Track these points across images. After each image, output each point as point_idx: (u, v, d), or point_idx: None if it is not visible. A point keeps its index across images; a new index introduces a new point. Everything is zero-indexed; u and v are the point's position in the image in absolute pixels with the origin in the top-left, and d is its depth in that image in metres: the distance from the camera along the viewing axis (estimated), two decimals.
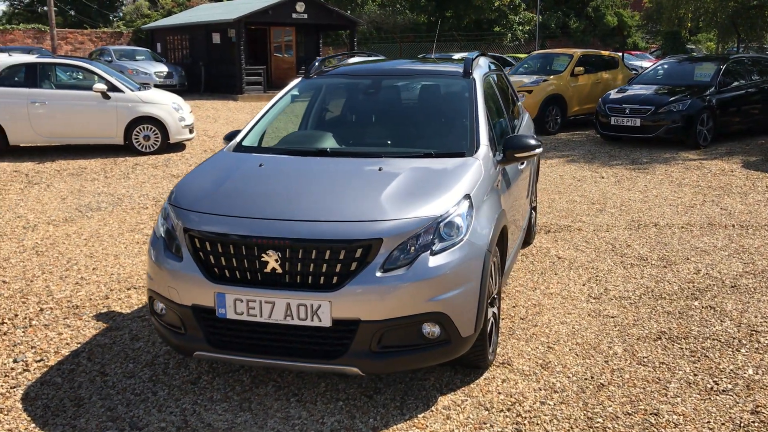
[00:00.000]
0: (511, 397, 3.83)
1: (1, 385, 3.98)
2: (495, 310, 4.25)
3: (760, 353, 4.36)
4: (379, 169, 4.04)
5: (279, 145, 4.83)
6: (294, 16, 23.51)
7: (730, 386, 3.94)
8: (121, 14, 31.96)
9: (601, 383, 3.98)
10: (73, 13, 44.25)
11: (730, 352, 4.37)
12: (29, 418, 3.62)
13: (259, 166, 4.25)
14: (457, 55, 17.82)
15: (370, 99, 5.13)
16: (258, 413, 3.66)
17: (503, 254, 4.45)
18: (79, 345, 4.52)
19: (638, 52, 36.64)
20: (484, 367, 4.12)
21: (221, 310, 3.58)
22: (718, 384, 3.97)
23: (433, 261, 3.53)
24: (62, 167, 11.10)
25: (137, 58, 24.20)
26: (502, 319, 4.92)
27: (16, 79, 12.17)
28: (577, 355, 4.34)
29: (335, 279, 3.47)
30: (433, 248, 3.57)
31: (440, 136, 4.73)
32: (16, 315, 5.01)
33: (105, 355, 4.37)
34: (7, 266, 6.12)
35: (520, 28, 38.79)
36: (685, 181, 9.85)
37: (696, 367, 4.17)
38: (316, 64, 5.46)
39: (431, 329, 3.57)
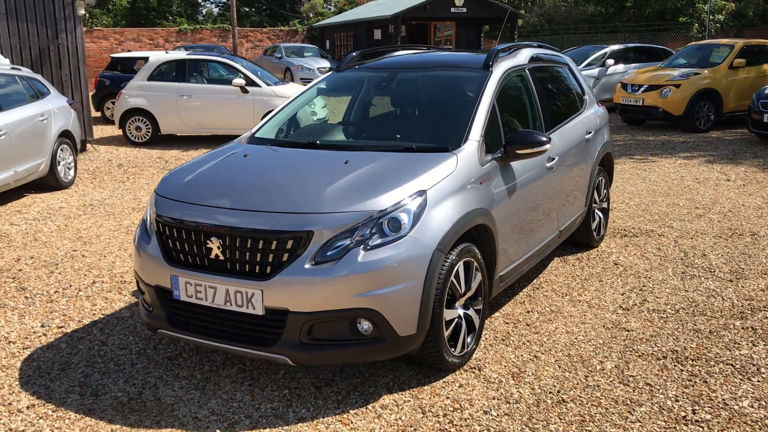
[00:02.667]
0: (456, 402, 3.69)
1: (18, 346, 4.48)
2: (469, 312, 4.09)
3: None
4: (346, 162, 4.04)
5: (287, 137, 4.95)
6: (453, 10, 23.53)
7: (708, 417, 3.51)
8: (304, 13, 33.84)
9: (563, 399, 3.71)
10: (264, 12, 47.34)
11: (737, 381, 3.87)
12: (17, 376, 4.07)
13: (244, 156, 4.42)
14: (609, 48, 16.86)
15: (382, 92, 5.11)
16: (207, 392, 3.83)
17: (490, 256, 4.27)
18: (102, 316, 4.96)
19: None
20: (446, 370, 3.99)
21: (176, 292, 3.79)
22: (695, 413, 3.54)
23: (365, 256, 3.49)
24: None
25: (305, 54, 25.46)
26: (507, 323, 4.71)
27: (169, 74, 13.38)
28: (559, 367, 4.07)
29: (268, 269, 3.55)
30: (369, 243, 3.52)
31: (434, 129, 4.62)
32: (71, 285, 5.59)
33: (116, 328, 4.76)
34: (95, 242, 6.81)
35: (712, 17, 35.74)
36: None
37: (682, 393, 3.74)
38: (353, 56, 5.53)
39: (366, 325, 3.54)
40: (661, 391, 3.77)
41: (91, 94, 18.31)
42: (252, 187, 3.92)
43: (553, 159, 5.08)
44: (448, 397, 3.74)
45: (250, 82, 13.01)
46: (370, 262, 3.48)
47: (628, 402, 3.66)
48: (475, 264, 4.08)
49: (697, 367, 4.04)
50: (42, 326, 4.79)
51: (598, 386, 3.84)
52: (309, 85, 5.41)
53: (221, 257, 3.65)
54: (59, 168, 9.56)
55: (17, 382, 3.99)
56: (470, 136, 4.27)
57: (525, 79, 5.20)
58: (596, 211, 6.32)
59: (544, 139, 4.43)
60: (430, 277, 3.63)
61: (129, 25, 43.65)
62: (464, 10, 23.66)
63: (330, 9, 34.06)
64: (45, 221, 7.74)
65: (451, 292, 3.88)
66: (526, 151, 4.41)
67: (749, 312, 4.84)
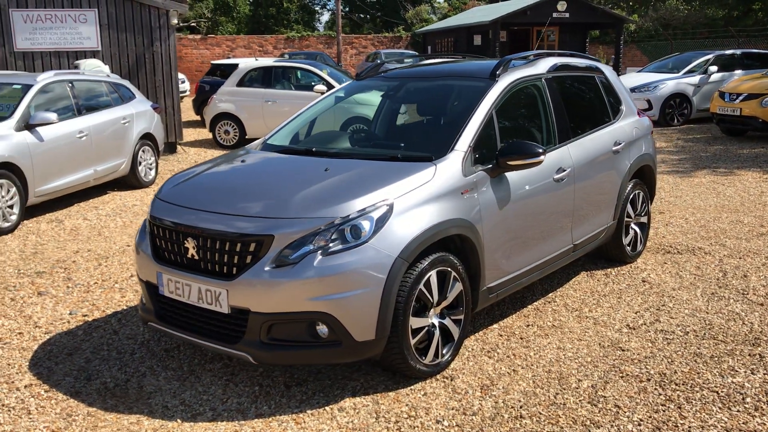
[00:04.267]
0: (413, 410, 3.72)
1: (42, 330, 4.90)
2: (445, 321, 4.11)
3: (752, 416, 3.60)
4: (326, 170, 4.16)
5: (295, 143, 5.11)
6: (555, 15, 23.06)
7: None
8: (409, 20, 34.34)
9: (522, 414, 3.66)
10: (378, 19, 48.08)
11: (714, 409, 3.67)
12: (29, 357, 4.45)
13: (241, 162, 4.62)
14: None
15: (389, 102, 5.18)
16: (186, 384, 4.06)
17: (474, 269, 4.25)
18: (126, 308, 5.32)
19: None
20: (415, 377, 4.01)
21: (161, 288, 4.04)
22: None
23: (322, 261, 3.59)
24: None
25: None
26: (501, 335, 4.67)
27: (257, 81, 13.98)
28: (533, 383, 4.00)
29: (234, 269, 3.72)
30: (329, 249, 3.62)
31: (424, 138, 4.65)
32: (110, 278, 6.02)
33: (132, 319, 5.10)
34: None
35: None
36: None
37: (649, 417, 3.60)
38: (374, 65, 5.64)
39: (324, 329, 3.64)
40: (627, 414, 3.64)
41: (191, 98, 19.37)
42: (231, 192, 4.11)
43: (564, 170, 4.97)
44: (407, 404, 3.78)
45: (331, 88, 13.35)
46: (326, 267, 3.59)
47: (587, 423, 3.57)
48: (454, 274, 4.08)
49: (678, 392, 3.86)
50: (70, 314, 5.20)
51: (564, 404, 3.75)
52: (330, 92, 5.56)
53: (196, 257, 3.86)
54: (140, 168, 10.23)
55: (27, 363, 4.38)
56: (457, 147, 4.27)
57: (540, 88, 5.12)
58: (632, 225, 6.10)
59: (539, 150, 4.36)
60: (390, 284, 3.68)
61: (250, 32, 45.52)
62: (567, 15, 23.14)
63: (434, 17, 34.23)
64: (114, 217, 8.33)
65: (420, 300, 3.91)
66: (518, 162, 4.36)
67: (765, 339, 4.54)
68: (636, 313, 5.02)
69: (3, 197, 7.57)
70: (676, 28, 31.34)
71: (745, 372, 4.08)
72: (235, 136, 13.89)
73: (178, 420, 3.66)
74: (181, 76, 23.38)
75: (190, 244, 3.86)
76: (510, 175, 4.51)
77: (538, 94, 5.13)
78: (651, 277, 5.80)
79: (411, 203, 3.87)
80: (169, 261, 4.02)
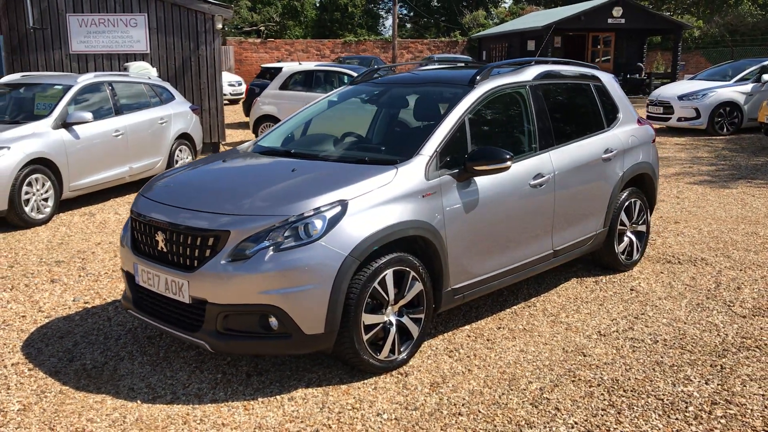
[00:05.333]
0: (358, 402, 3.88)
1: (44, 314, 5.26)
2: (404, 319, 4.25)
3: (689, 424, 3.61)
4: (293, 170, 4.37)
5: (283, 145, 5.32)
6: (610, 21, 22.70)
7: None
8: (466, 25, 34.32)
9: (461, 412, 3.77)
10: (442, 23, 48.17)
11: (654, 416, 3.70)
12: (24, 338, 4.80)
13: (222, 162, 4.87)
14: None
15: (372, 106, 5.35)
16: (156, 369, 4.32)
17: (437, 270, 4.38)
18: None
19: None
20: (369, 371, 4.17)
21: (137, 278, 4.33)
22: None
23: (274, 257, 3.79)
24: None
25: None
26: (469, 336, 4.77)
27: (300, 84, 14.34)
28: (484, 383, 4.10)
29: (195, 262, 3.96)
30: (281, 245, 3.82)
31: (395, 143, 4.79)
32: (120, 269, 6.37)
33: None
34: None
35: None
36: None
37: (584, 421, 3.66)
38: (369, 71, 5.83)
39: (274, 321, 3.84)
40: (564, 416, 3.71)
41: (241, 100, 19.93)
42: (201, 189, 4.37)
43: (543, 177, 5.04)
44: (355, 397, 3.94)
45: None
46: (277, 262, 3.79)
47: (522, 423, 3.65)
48: (413, 274, 4.22)
49: (624, 398, 3.90)
50: (73, 301, 5.56)
51: (505, 405, 3.84)
52: (322, 96, 5.77)
53: (164, 249, 4.12)
54: (177, 166, 10.67)
55: (21, 343, 4.73)
56: (422, 151, 4.40)
57: (523, 96, 5.20)
58: (627, 234, 6.09)
59: (505, 156, 4.46)
60: (340, 281, 3.85)
61: (315, 36, 46.30)
62: (623, 21, 22.74)
63: (491, 22, 34.09)
64: None
65: (375, 297, 4.06)
66: (484, 168, 4.47)
67: (734, 350, 4.51)
68: (612, 321, 5.04)
69: (38, 191, 8.07)
70: (744, 34, 30.36)
71: (699, 382, 4.07)
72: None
73: (138, 401, 3.92)
74: (238, 78, 24.06)
75: (160, 238, 4.13)
76: (481, 181, 4.61)
77: (521, 101, 5.21)
78: (641, 285, 5.78)
79: (367, 204, 4.03)
80: (144, 253, 4.30)
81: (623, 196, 5.94)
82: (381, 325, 4.14)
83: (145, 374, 4.26)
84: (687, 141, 14.90)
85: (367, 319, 4.05)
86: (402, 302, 4.23)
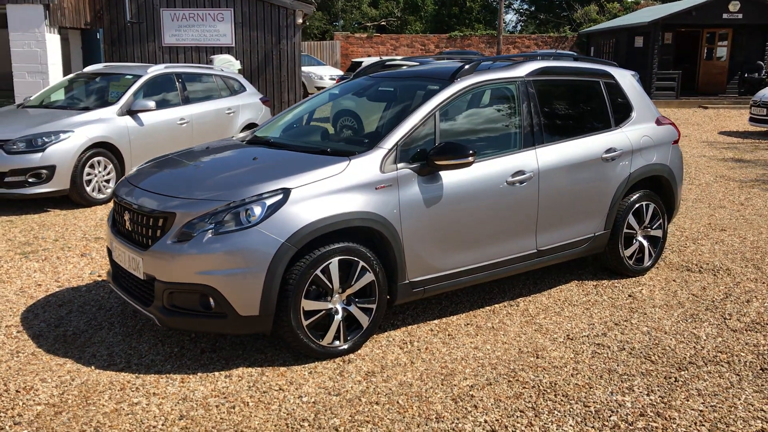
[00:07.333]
0: (288, 384, 4.00)
1: (57, 284, 5.73)
2: (351, 308, 4.33)
3: (595, 430, 3.49)
4: (254, 159, 4.55)
5: (274, 135, 5.51)
6: (725, 16, 21.33)
7: None
8: (577, 20, 33.20)
9: (379, 401, 3.81)
10: (563, 17, 46.91)
11: (572, 422, 3.59)
12: (27, 304, 5.26)
13: (205, 149, 5.12)
14: None
15: (363, 99, 5.43)
16: (126, 339, 4.63)
17: (391, 263, 4.42)
18: None
19: None
20: (311, 356, 4.28)
21: (113, 254, 4.66)
22: None
23: (212, 240, 3.99)
24: None
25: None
26: (431, 330, 4.78)
27: None
28: (419, 376, 4.11)
29: (150, 241, 4.23)
30: (221, 228, 4.01)
31: (361, 135, 4.86)
32: None
33: None
34: None
35: None
36: None
37: (496, 420, 3.61)
38: (374, 64, 5.92)
39: (212, 301, 4.04)
40: (477, 414, 3.67)
41: None
42: (171, 174, 4.64)
43: (524, 174, 4.95)
44: (286, 379, 4.07)
45: None
46: (214, 245, 3.98)
47: (432, 416, 3.65)
48: (362, 264, 4.30)
49: (551, 401, 3.80)
50: (90, 274, 6.02)
51: (426, 398, 3.85)
52: (325, 89, 5.92)
53: (129, 228, 4.42)
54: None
55: (24, 308, 5.20)
56: (382, 144, 4.46)
57: (512, 92, 5.12)
58: (637, 238, 5.84)
59: (468, 152, 4.44)
60: (275, 266, 3.99)
61: (433, 31, 46.37)
62: (740, 16, 21.29)
63: (603, 17, 32.79)
64: None
65: (319, 284, 4.17)
66: (446, 163, 4.46)
67: (700, 364, 4.27)
68: (588, 325, 4.89)
69: (99, 172, 8.72)
70: None
71: (640, 393, 3.90)
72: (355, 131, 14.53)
73: (93, 367, 4.23)
74: (339, 72, 24.58)
75: (127, 217, 4.43)
76: (448, 176, 4.61)
77: (510, 98, 5.13)
78: (641, 292, 5.54)
79: (311, 193, 4.14)
80: (118, 231, 4.62)
81: (633, 198, 5.70)
82: (324, 311, 4.24)
83: (113, 343, 4.58)
84: None
85: (309, 305, 4.16)
86: (349, 291, 4.31)
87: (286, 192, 4.10)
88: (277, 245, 3.99)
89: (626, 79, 5.95)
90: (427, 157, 4.51)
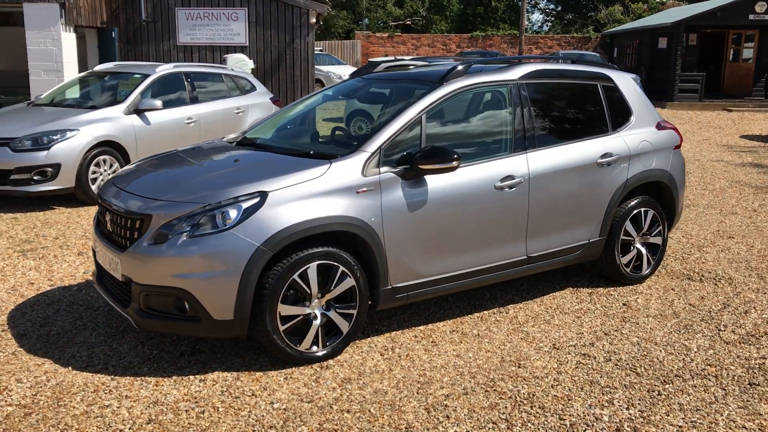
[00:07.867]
0: (262, 390, 3.95)
1: (49, 282, 5.75)
2: (330, 314, 4.27)
3: None
4: (236, 161, 4.50)
5: (263, 137, 5.46)
6: (751, 17, 20.90)
7: None
8: (601, 21, 32.78)
9: (350, 409, 3.75)
10: (589, 17, 46.45)
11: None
12: (20, 303, 5.28)
13: (190, 150, 5.10)
14: None
15: (353, 101, 5.36)
16: (107, 340, 4.62)
17: (373, 268, 4.36)
18: None
19: None
20: (288, 361, 4.23)
21: (96, 255, 4.66)
22: None
23: (186, 243, 3.95)
24: None
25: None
26: (414, 337, 4.71)
27: None
28: (396, 384, 4.04)
29: (127, 243, 4.21)
30: (197, 231, 3.98)
31: (346, 138, 4.79)
32: None
33: None
34: None
35: None
36: None
37: (467, 430, 3.53)
38: (368, 65, 5.86)
39: (186, 304, 4.01)
40: (448, 424, 3.60)
41: None
42: (153, 176, 4.62)
43: (514, 179, 4.85)
44: (260, 385, 4.02)
45: None
46: (189, 248, 3.94)
47: (402, 426, 3.58)
48: (342, 269, 4.24)
49: (526, 413, 3.71)
50: (84, 273, 6.04)
51: (399, 407, 3.78)
52: (319, 90, 5.87)
53: (110, 229, 4.41)
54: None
55: (13, 307, 5.22)
56: (364, 148, 4.40)
57: (503, 95, 5.03)
58: (635, 245, 5.71)
59: (453, 156, 4.36)
60: (249, 270, 3.94)
61: (458, 31, 46.19)
62: (766, 17, 20.86)
63: (627, 18, 32.34)
64: None
65: (296, 289, 4.12)
66: (430, 167, 4.39)
67: (687, 377, 4.15)
68: (577, 335, 4.78)
69: (105, 171, 8.76)
70: None
71: (620, 406, 3.80)
72: (368, 131, 14.50)
73: (70, 368, 4.23)
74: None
75: (108, 218, 4.42)
76: (433, 180, 4.53)
77: (501, 101, 5.04)
78: (637, 301, 5.42)
79: (289, 197, 4.09)
80: (101, 233, 4.61)
81: (630, 205, 5.57)
82: (302, 317, 4.19)
83: (94, 344, 4.57)
84: None
85: (286, 309, 4.11)
86: (329, 296, 4.25)
87: (263, 195, 4.05)
88: (252, 249, 3.95)
89: (626, 83, 5.81)
90: (411, 161, 4.43)
